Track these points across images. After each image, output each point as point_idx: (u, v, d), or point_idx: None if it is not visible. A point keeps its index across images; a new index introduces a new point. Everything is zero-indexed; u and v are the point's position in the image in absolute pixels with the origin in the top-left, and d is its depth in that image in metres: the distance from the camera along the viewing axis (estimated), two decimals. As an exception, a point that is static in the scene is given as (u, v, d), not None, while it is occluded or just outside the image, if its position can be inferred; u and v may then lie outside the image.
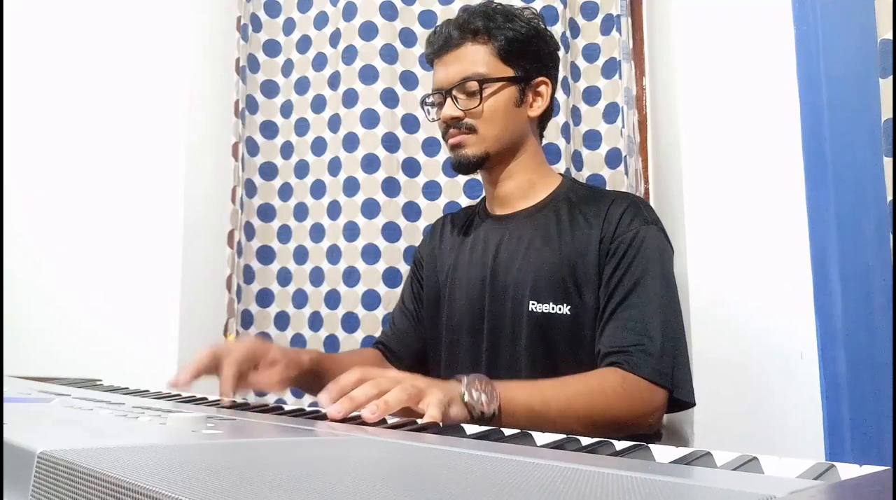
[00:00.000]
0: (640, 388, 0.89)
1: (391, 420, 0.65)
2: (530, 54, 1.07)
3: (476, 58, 1.05)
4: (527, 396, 0.82)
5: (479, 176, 1.17)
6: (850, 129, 1.04)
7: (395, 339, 1.19)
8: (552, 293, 1.00)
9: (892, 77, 0.75)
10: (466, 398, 0.74)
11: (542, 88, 1.09)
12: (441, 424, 0.66)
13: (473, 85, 1.04)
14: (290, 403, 1.43)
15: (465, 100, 1.05)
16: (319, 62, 1.56)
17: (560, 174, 1.15)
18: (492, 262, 1.07)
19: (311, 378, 1.00)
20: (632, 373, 0.89)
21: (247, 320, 1.53)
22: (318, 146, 1.54)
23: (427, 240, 1.24)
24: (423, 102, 1.14)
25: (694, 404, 0.96)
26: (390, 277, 1.41)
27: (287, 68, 1.60)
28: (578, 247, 1.01)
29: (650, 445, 0.49)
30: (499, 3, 1.11)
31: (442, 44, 1.08)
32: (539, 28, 1.09)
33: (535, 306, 1.00)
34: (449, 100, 1.05)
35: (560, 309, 0.99)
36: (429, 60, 1.13)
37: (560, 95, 1.39)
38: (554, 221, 1.05)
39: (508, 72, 1.06)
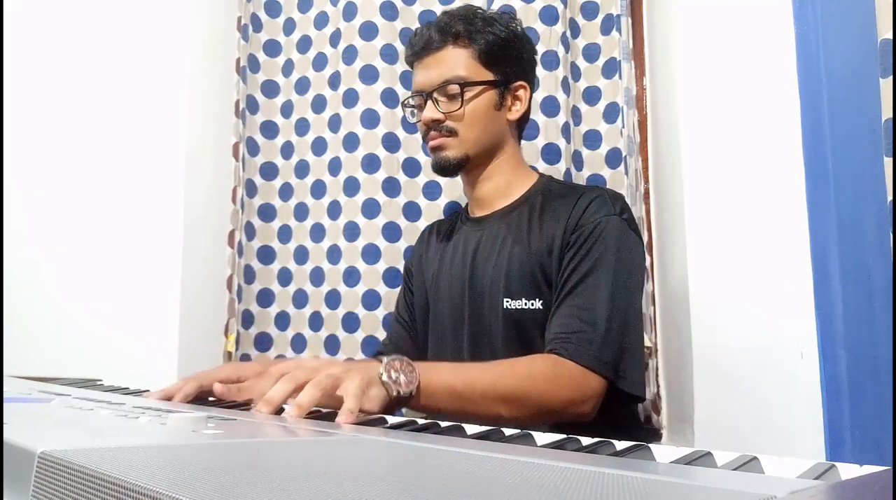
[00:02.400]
0: (572, 374, 0.89)
1: (391, 420, 0.65)
2: (509, 58, 1.08)
3: (457, 61, 1.06)
4: (448, 375, 0.83)
5: (445, 178, 1.19)
6: (850, 129, 1.04)
7: (392, 347, 1.21)
8: (524, 289, 1.01)
9: (892, 77, 0.75)
10: (384, 378, 0.74)
11: (521, 92, 1.10)
12: (360, 412, 0.66)
13: (454, 88, 1.05)
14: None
15: (446, 103, 1.06)
16: (320, 62, 1.56)
17: (538, 173, 1.16)
18: (470, 263, 1.09)
19: None
20: (568, 359, 0.89)
21: (247, 320, 1.53)
22: (319, 146, 1.54)
23: (415, 249, 1.27)
24: (403, 104, 1.15)
25: (643, 399, 0.97)
26: (390, 277, 1.41)
27: (287, 68, 1.60)
28: (546, 241, 1.01)
29: (650, 445, 0.49)
30: (479, 8, 1.12)
31: (423, 46, 1.09)
32: (518, 32, 1.10)
33: (509, 303, 1.01)
34: (430, 102, 1.06)
35: (532, 304, 1.00)
36: (409, 62, 1.14)
37: (560, 95, 1.39)
38: (526, 219, 1.06)
39: (489, 75, 1.07)
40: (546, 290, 1.00)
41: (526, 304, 1.00)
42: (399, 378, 0.76)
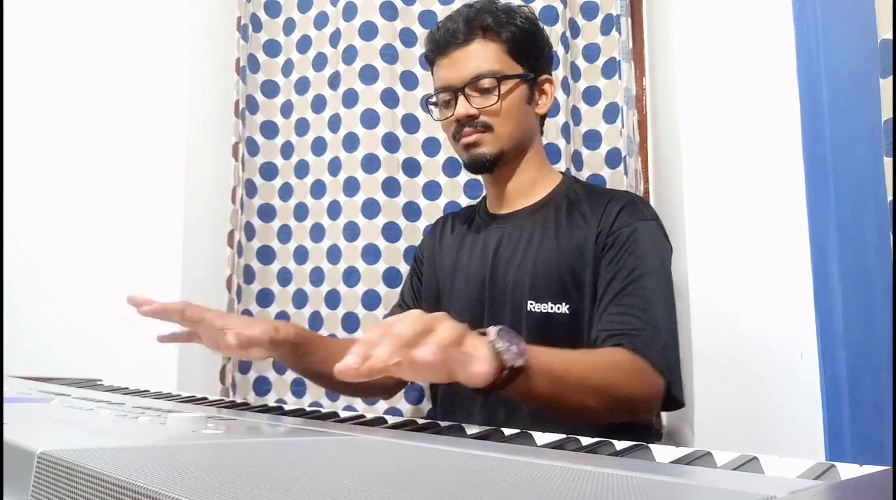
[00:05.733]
0: (645, 370, 0.87)
1: (391, 420, 0.65)
2: (535, 51, 1.07)
3: (488, 55, 1.03)
4: (548, 357, 0.77)
5: (479, 175, 1.17)
6: (850, 129, 1.04)
7: None
8: (550, 293, 0.99)
9: (892, 77, 0.75)
10: (498, 345, 0.67)
11: (547, 86, 1.09)
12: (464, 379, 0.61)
13: (489, 82, 1.02)
14: (291, 403, 1.43)
15: (480, 98, 1.03)
16: (319, 62, 1.56)
17: (561, 173, 1.15)
18: (491, 261, 1.07)
19: (293, 350, 0.98)
20: (637, 355, 0.87)
21: (247, 320, 1.53)
22: (319, 146, 1.54)
23: (428, 238, 1.25)
24: (426, 101, 1.12)
25: (684, 405, 0.96)
26: (390, 277, 1.41)
27: (287, 68, 1.60)
28: (576, 245, 1.00)
29: (650, 445, 0.49)
30: (499, 1, 1.09)
31: (448, 40, 1.05)
32: (539, 26, 1.09)
33: (533, 306, 1.00)
34: (462, 98, 1.03)
35: (559, 308, 0.98)
36: (430, 58, 1.10)
37: (560, 95, 1.39)
38: (552, 220, 1.05)
39: (519, 69, 1.05)
40: (574, 294, 0.98)
41: (552, 308, 0.98)
42: (511, 348, 0.68)
